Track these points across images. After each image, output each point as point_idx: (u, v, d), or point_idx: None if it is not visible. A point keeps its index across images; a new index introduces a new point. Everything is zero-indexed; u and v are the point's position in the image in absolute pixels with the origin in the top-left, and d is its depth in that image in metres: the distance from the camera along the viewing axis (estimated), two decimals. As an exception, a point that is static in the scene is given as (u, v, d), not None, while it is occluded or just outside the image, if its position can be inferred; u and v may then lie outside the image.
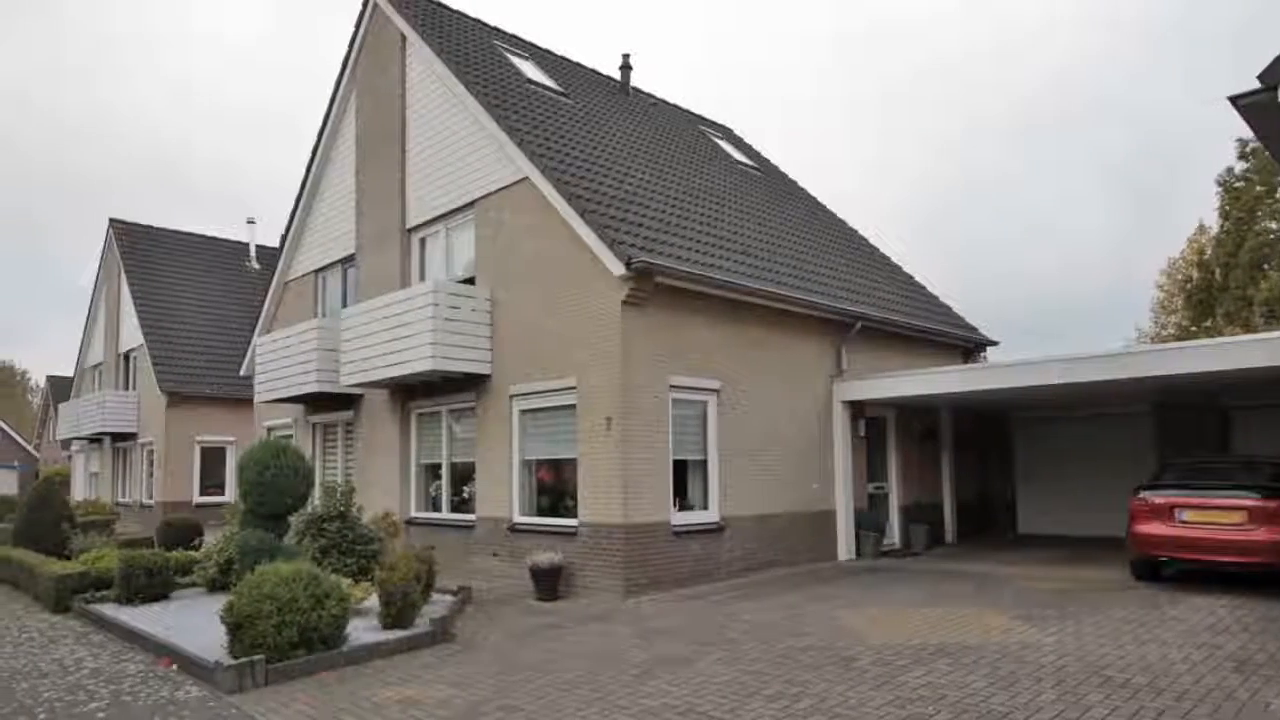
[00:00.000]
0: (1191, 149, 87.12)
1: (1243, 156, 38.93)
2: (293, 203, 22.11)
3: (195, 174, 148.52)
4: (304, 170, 21.73)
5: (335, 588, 9.62)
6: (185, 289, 34.69)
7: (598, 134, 18.25)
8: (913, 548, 18.45)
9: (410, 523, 17.18)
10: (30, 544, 16.93)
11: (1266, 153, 31.72)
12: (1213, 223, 43.79)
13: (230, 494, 28.99)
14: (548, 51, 22.53)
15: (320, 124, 21.21)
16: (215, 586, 13.68)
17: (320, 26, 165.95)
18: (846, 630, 10.34)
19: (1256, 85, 9.00)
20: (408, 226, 18.15)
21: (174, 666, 9.43)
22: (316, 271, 21.73)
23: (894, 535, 18.69)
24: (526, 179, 14.96)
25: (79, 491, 38.12)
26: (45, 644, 10.99)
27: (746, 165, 24.58)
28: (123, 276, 34.24)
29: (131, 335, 33.70)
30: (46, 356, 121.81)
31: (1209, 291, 43.05)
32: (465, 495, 16.40)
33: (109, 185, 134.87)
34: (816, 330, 17.20)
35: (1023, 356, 16.49)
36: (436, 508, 17.15)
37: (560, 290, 14.36)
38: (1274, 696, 7.17)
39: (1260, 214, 38.72)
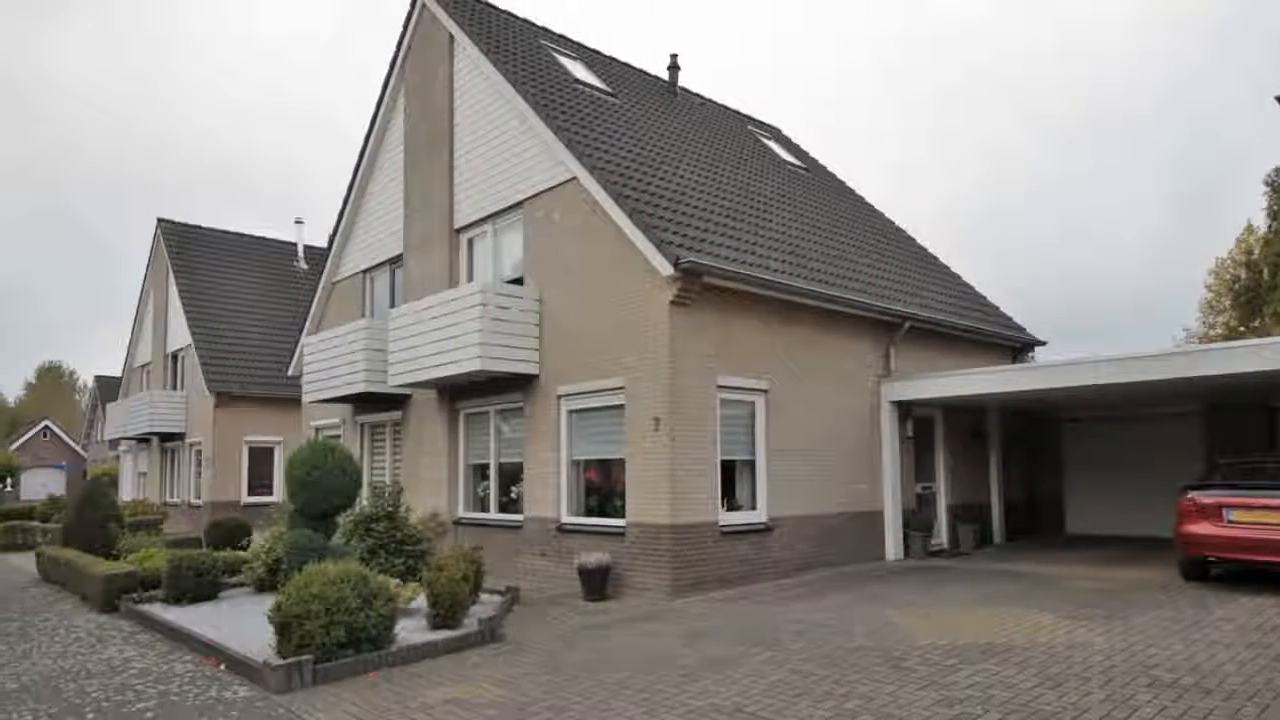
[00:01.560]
0: (1245, 149, 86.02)
1: (1292, 155, 38.27)
2: (340, 203, 22.27)
3: (246, 175, 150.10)
4: (352, 171, 21.86)
5: (383, 588, 9.67)
6: (233, 289, 34.80)
7: (645, 134, 18.25)
8: (960, 548, 18.34)
9: (458, 523, 17.27)
10: (78, 544, 17.09)
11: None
12: (1261, 223, 43.22)
13: (278, 494, 29.14)
14: (595, 51, 22.55)
15: (368, 124, 21.33)
16: (263, 586, 13.77)
17: (371, 27, 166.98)
18: (895, 630, 10.30)
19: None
20: (455, 227, 18.20)
21: (222, 666, 9.49)
22: (364, 272, 21.85)
23: (942, 535, 18.58)
24: (574, 179, 14.98)
25: (127, 491, 38.45)
26: (93, 644, 11.10)
27: (795, 165, 24.48)
28: (171, 276, 34.43)
29: (179, 335, 33.87)
30: (94, 356, 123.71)
31: (1257, 291, 42.45)
32: (513, 495, 16.44)
33: (159, 185, 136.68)
34: (865, 330, 17.13)
35: (1070, 356, 16.34)
36: (484, 508, 17.20)
37: (608, 290, 14.37)
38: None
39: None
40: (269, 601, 9.60)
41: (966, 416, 19.62)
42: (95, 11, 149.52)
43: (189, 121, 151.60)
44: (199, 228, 36.81)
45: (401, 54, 20.32)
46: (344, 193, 22.14)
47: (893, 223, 24.85)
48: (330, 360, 19.92)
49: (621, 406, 14.01)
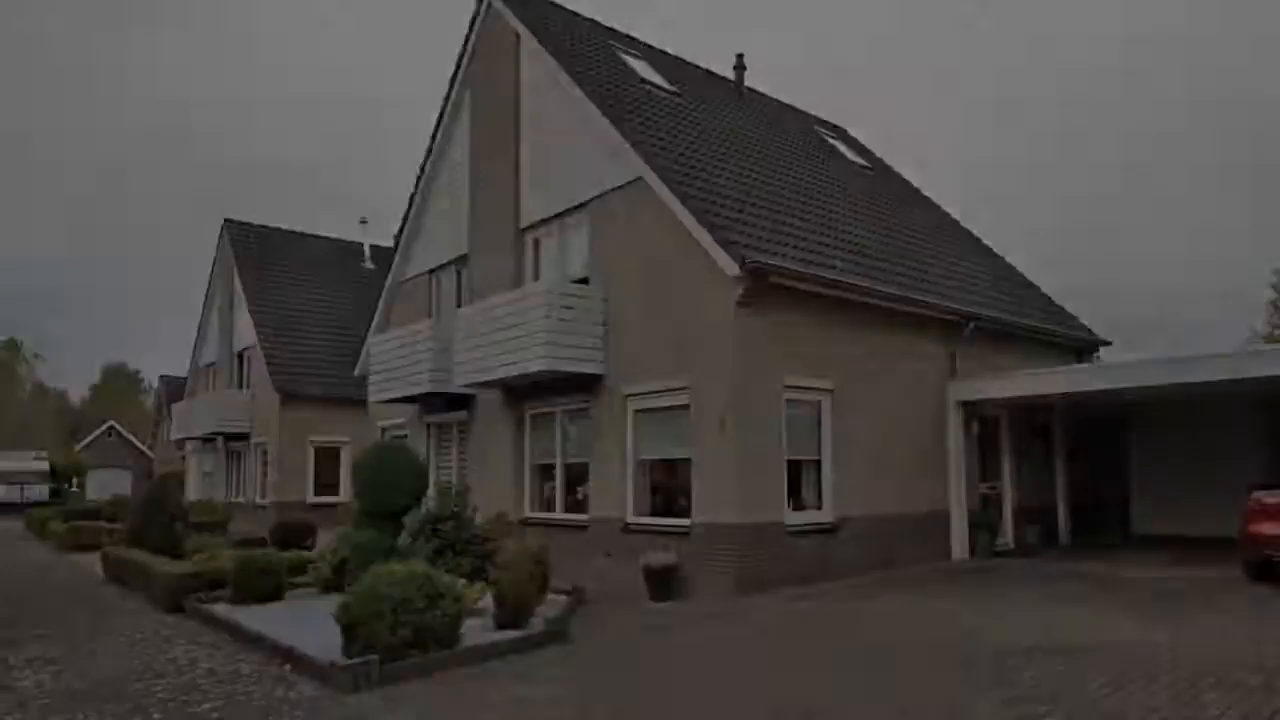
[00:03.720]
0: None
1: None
2: (407, 203, 22.42)
3: (312, 175, 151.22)
4: (418, 170, 21.99)
5: (449, 588, 9.69)
6: (299, 289, 34.92)
7: (711, 134, 18.26)
8: (1026, 548, 18.21)
9: (524, 523, 17.30)
10: (144, 544, 17.23)
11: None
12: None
13: (344, 494, 29.15)
14: (661, 51, 22.55)
15: (434, 124, 21.41)
16: (329, 587, 13.68)
17: (438, 25, 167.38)
18: (960, 630, 10.31)
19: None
20: (521, 226, 18.29)
21: (288, 667, 9.50)
22: (430, 271, 21.97)
23: (1008, 535, 18.44)
24: (640, 179, 15.00)
25: (193, 492, 38.39)
26: (159, 644, 11.11)
27: (861, 165, 24.39)
28: (237, 276, 34.74)
29: (245, 335, 34.07)
30: (160, 357, 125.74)
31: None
32: (579, 495, 16.53)
33: (226, 184, 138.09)
34: (930, 330, 17.01)
35: (1136, 356, 16.17)
36: (550, 508, 17.28)
37: (674, 290, 14.40)
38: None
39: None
40: (335, 602, 9.62)
41: (1032, 416, 19.42)
42: (151, 11, 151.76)
43: (255, 121, 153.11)
44: (265, 228, 37.14)
45: (467, 53, 20.38)
46: (411, 192, 22.30)
47: (958, 222, 24.66)
48: (396, 360, 20.10)
49: (687, 406, 14.04)
